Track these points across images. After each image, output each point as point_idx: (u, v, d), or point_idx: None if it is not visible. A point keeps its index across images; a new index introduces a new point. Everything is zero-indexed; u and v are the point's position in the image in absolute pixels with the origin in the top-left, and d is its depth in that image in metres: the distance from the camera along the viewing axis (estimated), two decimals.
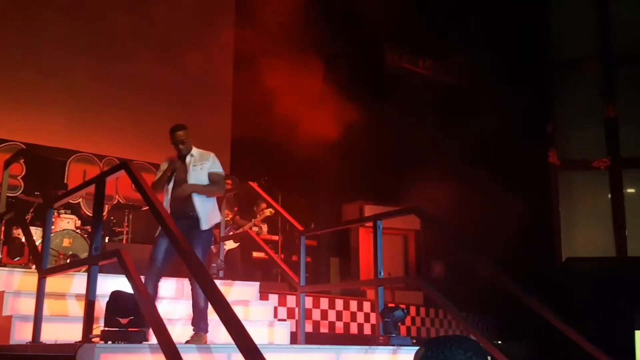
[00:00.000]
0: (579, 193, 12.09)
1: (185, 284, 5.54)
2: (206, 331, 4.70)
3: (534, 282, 5.05)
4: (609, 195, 11.70)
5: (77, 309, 4.64)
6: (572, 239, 11.73)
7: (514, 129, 10.72)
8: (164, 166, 5.12)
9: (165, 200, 4.96)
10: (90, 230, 7.41)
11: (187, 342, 4.57)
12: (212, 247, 7.89)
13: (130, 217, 8.21)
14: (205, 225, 4.93)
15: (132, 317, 3.55)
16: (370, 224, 5.19)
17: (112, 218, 8.15)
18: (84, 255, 7.24)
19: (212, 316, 4.60)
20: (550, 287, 8.45)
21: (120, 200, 9.48)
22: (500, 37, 11.13)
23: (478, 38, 11.06)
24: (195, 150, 5.12)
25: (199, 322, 4.71)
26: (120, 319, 3.53)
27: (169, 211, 4.76)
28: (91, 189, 4.24)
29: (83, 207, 9.04)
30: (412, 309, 8.59)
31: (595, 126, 11.93)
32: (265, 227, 8.88)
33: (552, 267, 11.12)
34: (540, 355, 8.74)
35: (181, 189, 4.94)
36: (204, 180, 5.02)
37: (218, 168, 5.16)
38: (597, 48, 12.18)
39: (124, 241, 7.90)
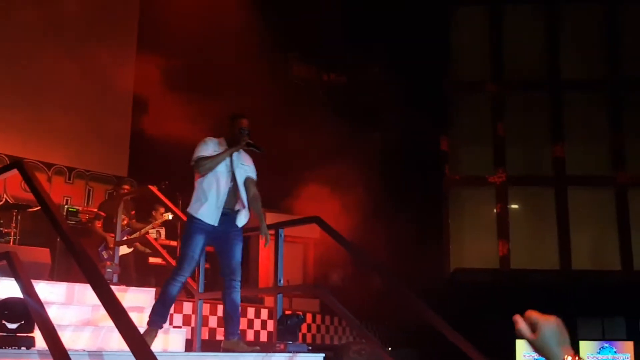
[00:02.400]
0: (469, 207, 12.76)
1: (76, 288, 5.36)
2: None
3: (423, 291, 5.31)
4: (495, 210, 12.44)
5: None
6: (461, 250, 12.36)
7: (412, 144, 11.19)
8: (213, 144, 4.76)
9: (221, 190, 4.67)
10: None
11: (224, 348, 4.55)
12: (104, 252, 7.69)
13: (19, 217, 7.82)
14: (244, 222, 4.80)
15: (21, 322, 3.44)
16: (271, 231, 5.26)
17: None
18: None
19: (106, 322, 4.49)
20: (438, 295, 8.85)
21: (9, 200, 8.99)
22: (402, 55, 11.57)
23: (381, 55, 11.44)
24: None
25: (238, 326, 4.68)
26: (7, 324, 3.40)
27: (221, 200, 4.60)
28: None
29: None
30: (309, 316, 8.73)
31: (486, 145, 12.67)
32: (163, 232, 8.72)
33: (440, 276, 11.65)
34: None
35: (265, 238, 4.80)
36: (243, 181, 4.82)
37: (255, 177, 4.95)
38: (490, 71, 12.96)
39: (12, 242, 7.51)
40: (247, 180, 4.87)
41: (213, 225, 4.66)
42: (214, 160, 4.66)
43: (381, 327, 10.32)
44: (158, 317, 4.58)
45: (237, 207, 4.81)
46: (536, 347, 1.42)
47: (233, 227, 4.76)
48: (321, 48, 11.26)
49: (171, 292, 4.62)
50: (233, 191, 4.76)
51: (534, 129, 12.68)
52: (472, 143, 12.78)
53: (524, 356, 10.72)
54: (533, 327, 1.41)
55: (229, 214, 4.74)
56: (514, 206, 12.58)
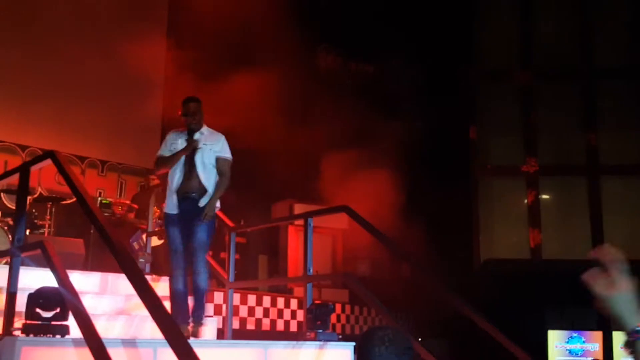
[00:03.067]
0: (500, 197, 12.62)
1: (110, 278, 5.45)
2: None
3: (453, 281, 5.28)
4: (526, 200, 12.28)
5: None
6: (492, 240, 12.24)
7: (441, 133, 11.09)
8: (172, 138, 4.87)
9: (175, 178, 4.76)
10: (10, 222, 7.15)
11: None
12: (135, 243, 7.78)
13: (53, 210, 7.97)
14: (205, 202, 4.77)
15: (56, 310, 3.50)
16: (300, 222, 5.27)
17: (33, 211, 7.88)
18: (3, 247, 6.97)
19: (139, 311, 4.57)
20: (469, 286, 8.80)
21: (43, 193, 9.17)
22: (430, 43, 11.47)
23: (408, 43, 11.35)
24: (205, 128, 4.90)
25: (199, 311, 4.68)
26: (43, 312, 3.47)
27: (175, 187, 4.71)
28: (13, 179, 4.12)
29: (3, 199, 8.71)
30: (338, 307, 8.74)
31: (517, 134, 12.50)
32: None
33: (471, 267, 11.56)
34: (456, 352, 9.09)
35: (206, 214, 4.68)
36: (211, 162, 4.83)
37: (228, 153, 4.94)
38: (520, 59, 12.76)
39: (46, 234, 7.66)
40: (217, 160, 4.86)
41: (177, 214, 4.72)
42: (168, 161, 4.78)
43: (411, 317, 10.30)
44: (177, 317, 4.63)
45: (201, 191, 4.78)
46: (611, 303, 1.24)
47: (196, 208, 4.73)
48: (349, 37, 11.21)
49: (176, 288, 4.67)
50: (195, 175, 4.76)
51: (565, 117, 12.46)
52: (503, 132, 12.62)
53: (556, 346, 10.60)
54: (610, 281, 1.24)
55: (191, 198, 4.75)
56: (546, 196, 12.40)
